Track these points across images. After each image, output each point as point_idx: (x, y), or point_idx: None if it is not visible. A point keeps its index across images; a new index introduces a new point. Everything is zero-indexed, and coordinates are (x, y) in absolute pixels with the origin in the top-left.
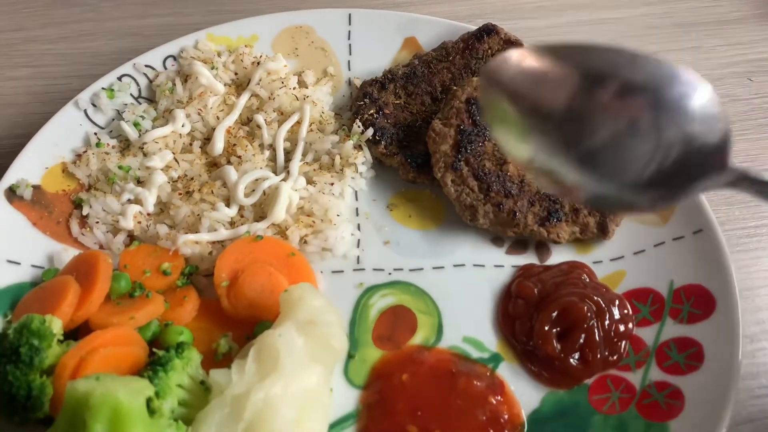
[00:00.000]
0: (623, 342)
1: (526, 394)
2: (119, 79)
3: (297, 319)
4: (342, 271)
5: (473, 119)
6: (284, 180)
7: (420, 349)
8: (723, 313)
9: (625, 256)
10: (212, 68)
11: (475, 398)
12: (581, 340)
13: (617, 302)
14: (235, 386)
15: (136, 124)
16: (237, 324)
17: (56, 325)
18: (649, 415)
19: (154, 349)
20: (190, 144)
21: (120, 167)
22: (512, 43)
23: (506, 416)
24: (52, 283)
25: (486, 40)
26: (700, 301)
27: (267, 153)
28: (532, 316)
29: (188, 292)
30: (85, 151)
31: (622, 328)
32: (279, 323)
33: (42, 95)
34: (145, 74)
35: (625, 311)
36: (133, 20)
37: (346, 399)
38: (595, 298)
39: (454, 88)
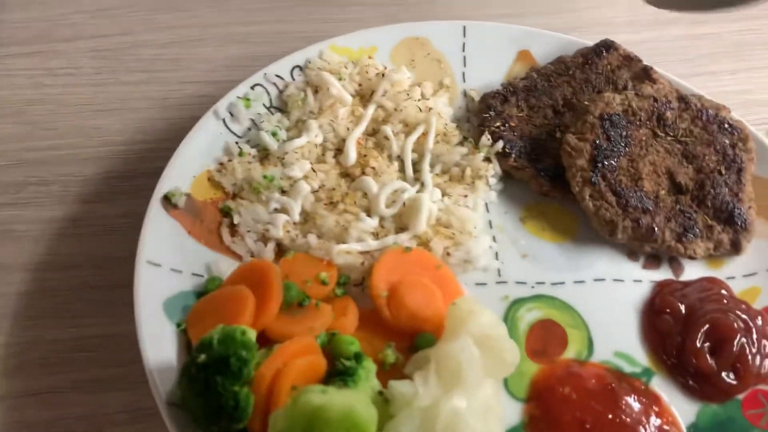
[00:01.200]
0: None
1: (680, 408)
2: (252, 88)
3: (471, 332)
4: (485, 284)
5: (607, 135)
6: (420, 192)
7: (574, 364)
8: None
9: (758, 273)
10: (340, 79)
11: (638, 413)
12: (733, 356)
13: (761, 318)
14: (422, 398)
15: (274, 134)
16: (397, 334)
17: (253, 336)
18: None
19: (341, 360)
20: (323, 154)
21: (264, 177)
22: (631, 59)
23: (669, 429)
24: (226, 293)
25: (605, 55)
26: None
27: (395, 164)
28: (680, 332)
29: (348, 302)
30: (230, 160)
31: (767, 342)
32: (451, 336)
33: (159, 101)
34: (275, 84)
35: None
36: (238, 27)
37: (510, 412)
38: (740, 314)
39: (585, 103)
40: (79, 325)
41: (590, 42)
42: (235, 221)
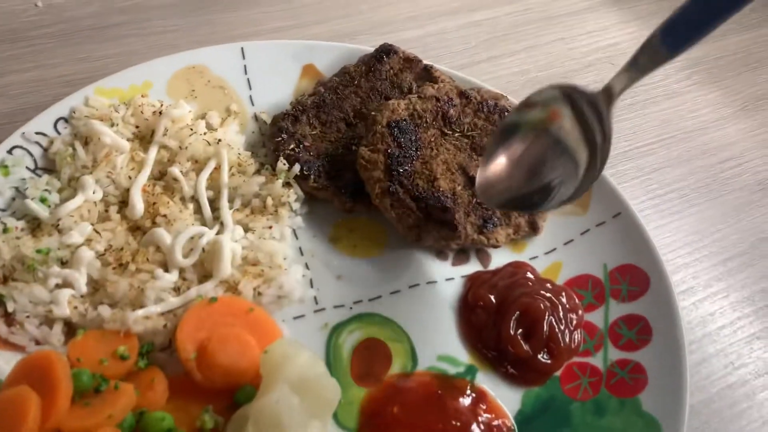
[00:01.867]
0: (578, 330)
1: (506, 398)
2: (9, 152)
3: (287, 378)
4: (303, 316)
5: (398, 142)
6: (220, 233)
7: (401, 378)
8: (657, 283)
9: (557, 248)
10: (112, 125)
11: (467, 414)
12: (544, 336)
13: (564, 293)
14: None
15: (43, 200)
16: (214, 395)
17: None
18: (620, 392)
19: None
20: (106, 211)
21: (38, 251)
22: (411, 60)
23: (498, 423)
24: (3, 399)
25: (386, 60)
26: (635, 279)
27: (191, 206)
28: (494, 322)
29: (154, 373)
30: None
31: (574, 316)
32: (268, 386)
33: None
34: (37, 142)
35: (573, 300)
36: None
37: None
38: (546, 293)
39: (372, 113)
40: None
41: (373, 47)
42: (9, 309)
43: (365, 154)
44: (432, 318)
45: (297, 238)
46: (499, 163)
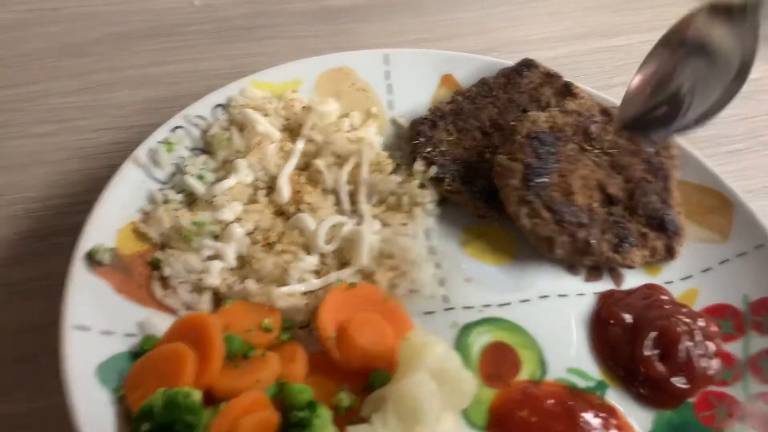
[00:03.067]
0: (716, 358)
1: (636, 418)
2: (173, 131)
3: (426, 366)
4: (433, 312)
5: (536, 153)
6: (359, 225)
7: (530, 385)
8: None
9: (693, 275)
10: (266, 115)
11: (598, 428)
12: (680, 360)
13: (702, 320)
14: None
15: (200, 177)
16: (350, 376)
17: (198, 398)
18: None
19: (294, 412)
20: (254, 194)
21: (194, 223)
22: (552, 76)
23: None
24: (162, 352)
25: (526, 74)
26: None
27: (331, 198)
28: (628, 340)
29: (295, 348)
30: (155, 209)
31: (711, 344)
32: (406, 372)
33: (74, 151)
34: (196, 125)
35: (711, 328)
36: (150, 68)
37: None
38: (683, 318)
39: (513, 123)
40: (2, 401)
41: (510, 62)
42: (166, 273)
43: (503, 162)
44: (562, 330)
45: (428, 238)
46: (635, 83)
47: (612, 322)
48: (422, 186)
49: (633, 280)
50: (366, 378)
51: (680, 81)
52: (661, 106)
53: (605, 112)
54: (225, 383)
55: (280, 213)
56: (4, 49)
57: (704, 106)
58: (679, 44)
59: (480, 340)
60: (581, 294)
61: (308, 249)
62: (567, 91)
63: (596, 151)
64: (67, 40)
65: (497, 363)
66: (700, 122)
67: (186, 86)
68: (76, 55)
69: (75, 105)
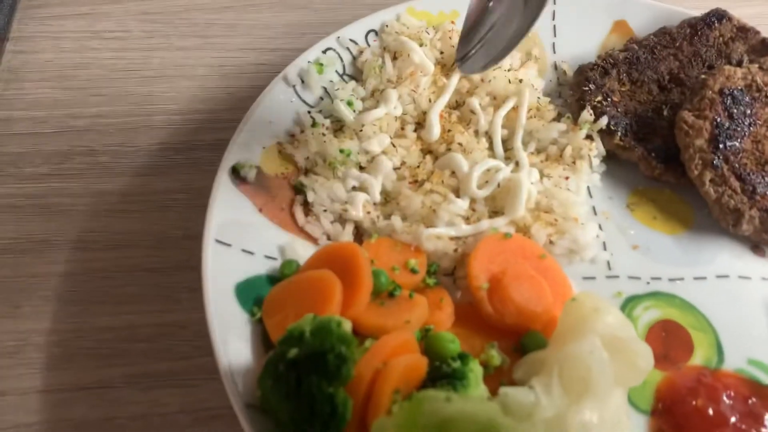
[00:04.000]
0: None
1: None
2: (324, 52)
3: (599, 332)
4: (594, 278)
5: (729, 112)
6: (515, 172)
7: (705, 372)
8: None
9: None
10: (421, 45)
11: None
12: None
13: None
14: (545, 409)
15: (349, 104)
16: (499, 333)
17: (349, 328)
18: None
19: (448, 360)
20: (402, 128)
21: (341, 150)
22: (747, 30)
23: None
24: (308, 278)
25: (717, 26)
26: None
27: (484, 141)
28: None
29: (442, 293)
30: (302, 132)
31: None
32: (573, 336)
33: (217, 68)
34: (348, 49)
35: None
36: None
37: (634, 425)
38: None
39: (703, 76)
40: (132, 312)
41: (693, 12)
42: (310, 199)
43: (688, 119)
44: (743, 316)
45: (591, 196)
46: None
47: None
48: (588, 137)
49: None
50: (517, 337)
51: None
52: (480, 42)
53: None
54: (372, 319)
55: (428, 151)
56: None
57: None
58: None
59: (647, 316)
60: (767, 278)
61: (458, 192)
62: (764, 48)
63: None
64: None
65: (666, 343)
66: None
67: (332, 13)
68: None
69: (219, 22)
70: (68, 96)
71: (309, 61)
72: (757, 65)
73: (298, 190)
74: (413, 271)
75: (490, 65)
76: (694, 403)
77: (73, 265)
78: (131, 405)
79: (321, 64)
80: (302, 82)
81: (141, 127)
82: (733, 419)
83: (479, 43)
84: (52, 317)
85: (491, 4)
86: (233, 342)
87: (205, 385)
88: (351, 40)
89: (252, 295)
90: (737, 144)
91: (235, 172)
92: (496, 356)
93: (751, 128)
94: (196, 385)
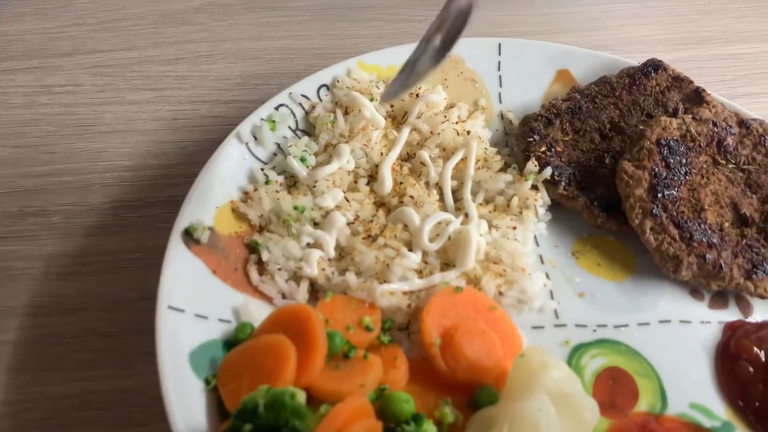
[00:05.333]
0: None
1: None
2: (276, 109)
3: (547, 388)
4: (543, 327)
5: (666, 162)
6: (464, 224)
7: (649, 418)
8: None
9: None
10: (371, 99)
11: None
12: None
13: None
14: None
15: (302, 160)
16: (452, 388)
17: (303, 399)
18: None
19: (402, 425)
20: (355, 182)
21: (295, 207)
22: (681, 80)
23: None
24: (262, 344)
25: (653, 75)
26: None
27: (435, 193)
28: (762, 379)
29: (396, 351)
30: (255, 190)
31: None
32: (522, 392)
33: (170, 121)
34: (300, 105)
35: None
36: (250, 42)
37: None
38: None
39: (641, 127)
40: (86, 378)
41: (631, 61)
42: (264, 258)
43: (628, 169)
44: (685, 361)
45: (538, 245)
46: None
47: (744, 357)
48: (534, 188)
49: (763, 310)
50: (469, 392)
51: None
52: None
53: (743, 123)
54: (327, 385)
55: (381, 204)
56: (102, 13)
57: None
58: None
59: (593, 364)
60: (706, 322)
61: (410, 245)
62: (697, 97)
63: (731, 165)
64: (166, 7)
65: (612, 390)
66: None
67: (286, 63)
68: (176, 23)
69: (172, 74)
70: (18, 154)
71: (262, 119)
72: (690, 116)
73: (252, 248)
74: (368, 329)
75: (399, 92)
76: None
77: (24, 332)
78: None
79: (274, 121)
80: (255, 139)
81: (94, 185)
82: None
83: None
84: (3, 388)
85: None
86: (188, 410)
87: None
88: (303, 95)
89: (206, 360)
90: (674, 192)
91: (188, 235)
92: (449, 414)
93: (687, 177)
94: None
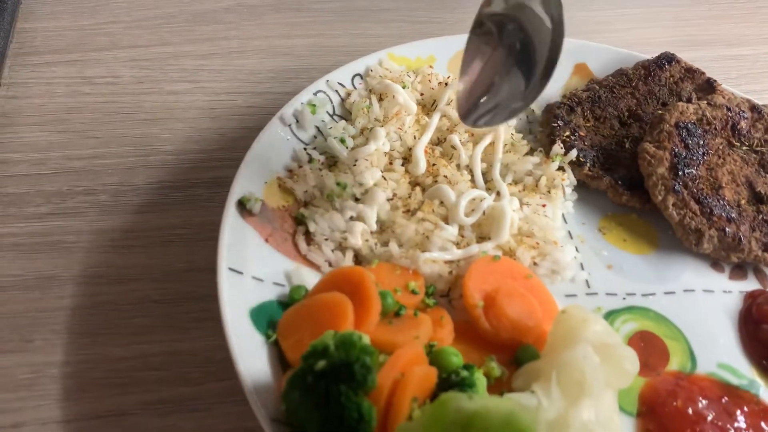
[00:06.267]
0: None
1: None
2: (315, 94)
3: (589, 340)
4: (575, 295)
5: (684, 143)
6: (496, 200)
7: (680, 376)
8: None
9: None
10: (403, 87)
11: (755, 427)
12: None
13: None
14: (547, 411)
15: (342, 141)
16: (495, 347)
17: (369, 341)
18: None
19: (458, 370)
20: (390, 163)
21: (338, 183)
22: (693, 71)
23: None
24: (320, 300)
25: (667, 67)
26: None
27: (466, 174)
28: None
29: (442, 312)
30: (300, 167)
31: None
32: (565, 345)
33: (207, 111)
34: (337, 91)
35: None
36: (279, 40)
37: (623, 426)
38: None
39: (660, 112)
40: (143, 341)
41: (646, 55)
42: (311, 230)
43: (650, 149)
44: (710, 326)
45: (566, 222)
46: (462, 78)
47: (766, 321)
48: (560, 169)
49: None
50: (511, 351)
51: (494, 70)
52: (484, 97)
53: (755, 108)
54: (384, 336)
55: (416, 184)
56: (136, 11)
57: (505, 114)
58: (493, 28)
59: (625, 328)
60: (727, 291)
61: (447, 219)
62: (709, 87)
63: (744, 147)
64: (197, 8)
65: (645, 351)
66: (514, 113)
67: (314, 59)
68: (207, 21)
69: (207, 68)
70: (64, 138)
71: (302, 103)
72: (705, 101)
73: (299, 221)
74: (414, 293)
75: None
76: (674, 404)
77: (80, 300)
78: (148, 431)
79: (314, 105)
80: (297, 121)
81: (138, 167)
82: (709, 417)
83: (483, 108)
84: (64, 350)
85: (496, 78)
86: (252, 363)
87: (216, 409)
88: (339, 83)
89: (264, 318)
90: (694, 171)
91: (242, 205)
92: (496, 368)
93: (705, 157)
94: (208, 408)
